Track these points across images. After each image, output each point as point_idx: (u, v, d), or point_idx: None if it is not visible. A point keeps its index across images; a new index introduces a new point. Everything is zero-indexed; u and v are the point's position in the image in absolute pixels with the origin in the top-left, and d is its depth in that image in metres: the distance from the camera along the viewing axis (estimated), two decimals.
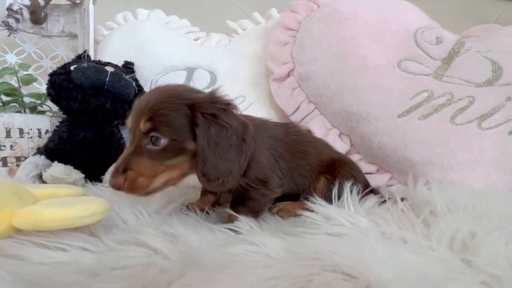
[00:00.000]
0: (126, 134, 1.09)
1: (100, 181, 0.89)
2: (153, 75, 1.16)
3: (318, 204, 0.60)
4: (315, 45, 0.99)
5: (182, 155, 0.56)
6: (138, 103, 0.56)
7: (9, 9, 1.07)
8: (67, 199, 0.53)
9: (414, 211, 0.62)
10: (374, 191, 0.81)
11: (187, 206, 0.74)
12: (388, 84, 0.87)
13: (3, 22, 1.07)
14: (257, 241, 0.49)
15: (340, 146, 0.95)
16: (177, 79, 1.15)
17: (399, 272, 0.34)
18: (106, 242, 0.51)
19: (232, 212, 0.65)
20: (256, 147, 0.62)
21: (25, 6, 1.08)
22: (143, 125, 0.53)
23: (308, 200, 0.61)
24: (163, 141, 0.53)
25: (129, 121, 0.56)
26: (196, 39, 1.34)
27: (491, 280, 0.38)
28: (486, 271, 0.39)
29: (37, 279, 0.36)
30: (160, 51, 1.19)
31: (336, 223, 0.55)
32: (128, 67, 1.09)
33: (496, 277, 0.38)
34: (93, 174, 0.89)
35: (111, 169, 0.89)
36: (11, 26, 1.08)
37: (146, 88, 1.12)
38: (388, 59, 0.89)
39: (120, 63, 1.11)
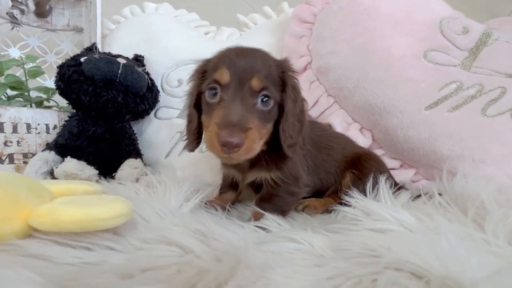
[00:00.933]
0: (136, 130, 1.05)
1: (113, 178, 0.85)
2: (163, 69, 1.12)
3: (355, 198, 0.56)
4: (335, 37, 0.96)
5: (273, 119, 0.54)
6: (236, 58, 0.51)
7: None
8: (88, 197, 0.48)
9: (455, 206, 0.59)
10: (402, 187, 0.78)
11: (205, 203, 0.70)
12: (414, 75, 0.83)
13: (7, 13, 1.02)
14: (299, 238, 0.45)
15: (362, 141, 0.92)
16: (190, 73, 1.11)
17: (488, 271, 0.30)
18: (131, 241, 0.47)
19: (259, 210, 0.61)
20: None
21: None
22: (258, 83, 0.49)
23: (346, 195, 0.57)
24: (271, 103, 0.51)
25: (224, 75, 0.50)
26: (206, 33, 1.29)
27: None
28: None
29: (68, 282, 0.32)
30: (171, 45, 1.15)
31: (378, 218, 0.52)
32: (139, 60, 1.04)
33: None
34: (104, 171, 0.85)
35: (127, 165, 0.85)
36: (15, 17, 1.03)
37: (157, 83, 1.08)
38: (413, 50, 0.85)
39: (129, 56, 1.06)
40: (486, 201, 0.53)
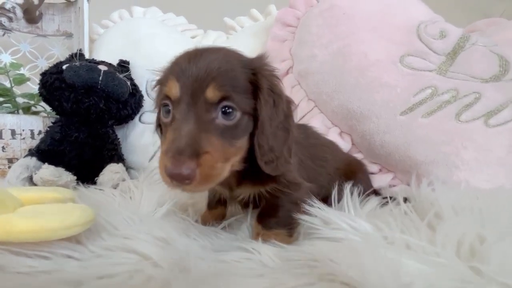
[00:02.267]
0: (121, 134, 1.07)
1: (94, 183, 0.87)
2: (149, 73, 1.14)
3: (316, 207, 0.57)
4: (315, 42, 0.96)
5: (246, 134, 0.45)
6: (188, 64, 0.42)
7: (1, 7, 1.05)
8: (49, 206, 0.50)
9: (418, 213, 0.59)
10: (376, 192, 0.78)
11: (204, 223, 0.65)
12: (390, 80, 0.83)
13: None
14: (251, 248, 0.46)
15: (341, 145, 0.92)
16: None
17: (401, 283, 0.31)
18: (92, 249, 0.48)
19: (261, 229, 0.54)
20: None
21: (18, 4, 1.06)
22: (214, 93, 0.40)
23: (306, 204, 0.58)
24: (237, 114, 0.42)
25: (173, 88, 0.41)
26: (193, 37, 1.31)
27: None
28: (496, 280, 0.37)
29: None
30: (156, 49, 1.17)
31: (336, 227, 0.52)
32: (123, 66, 1.06)
33: (507, 287, 0.35)
34: (86, 176, 0.87)
35: (108, 169, 0.86)
36: (3, 25, 1.06)
37: (142, 88, 1.10)
38: (390, 55, 0.85)
39: (115, 61, 1.09)
40: (444, 208, 0.54)
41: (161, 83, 0.47)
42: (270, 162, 0.46)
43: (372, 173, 0.92)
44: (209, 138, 0.40)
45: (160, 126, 0.51)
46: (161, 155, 0.40)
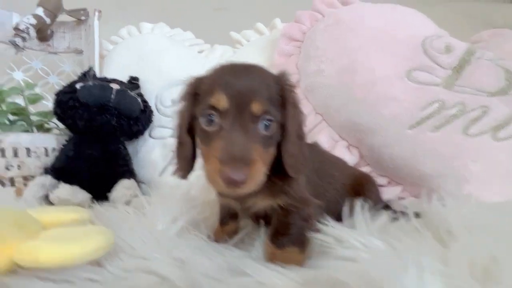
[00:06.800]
0: (131, 149, 1.09)
1: (106, 198, 0.89)
2: (158, 88, 1.16)
3: (330, 225, 0.58)
4: (321, 57, 0.98)
5: (276, 142, 0.50)
6: (234, 79, 0.47)
7: (16, 28, 1.08)
8: (71, 230, 0.51)
9: (428, 229, 0.60)
10: (386, 205, 0.79)
11: (215, 239, 0.66)
12: (397, 95, 0.84)
13: (10, 41, 1.09)
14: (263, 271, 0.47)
15: (349, 158, 0.93)
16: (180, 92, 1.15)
17: None
18: (111, 270, 0.50)
19: (274, 249, 0.55)
20: None
21: (32, 25, 1.09)
22: (259, 107, 0.45)
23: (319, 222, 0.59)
24: (274, 126, 0.48)
25: (221, 100, 0.45)
26: (200, 51, 1.33)
27: None
28: None
29: None
30: (164, 64, 1.19)
31: (349, 246, 0.53)
32: (133, 82, 1.09)
33: None
34: (99, 192, 0.89)
35: (120, 185, 0.88)
36: (18, 45, 1.09)
37: (151, 103, 1.12)
38: (396, 69, 0.87)
39: (124, 77, 1.11)
40: (454, 225, 0.54)
41: (203, 93, 0.49)
42: (292, 166, 0.52)
43: (381, 186, 0.93)
44: (255, 148, 0.45)
45: (189, 132, 0.54)
46: (214, 162, 0.43)
